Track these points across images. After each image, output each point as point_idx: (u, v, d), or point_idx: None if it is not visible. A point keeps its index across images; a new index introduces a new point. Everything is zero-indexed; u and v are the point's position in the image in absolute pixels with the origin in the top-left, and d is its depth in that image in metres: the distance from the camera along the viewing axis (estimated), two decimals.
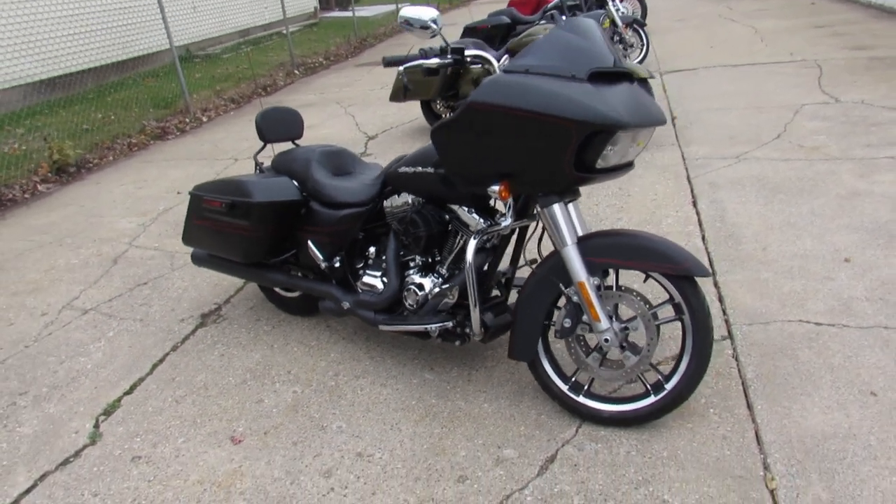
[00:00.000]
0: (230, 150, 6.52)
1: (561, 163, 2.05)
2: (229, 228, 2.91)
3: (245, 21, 13.12)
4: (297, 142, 3.21)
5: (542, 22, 5.70)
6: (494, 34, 7.71)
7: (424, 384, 2.69)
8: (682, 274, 2.14)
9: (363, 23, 14.86)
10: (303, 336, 3.12)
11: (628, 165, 2.30)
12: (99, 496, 2.27)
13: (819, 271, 3.19)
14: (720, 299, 3.06)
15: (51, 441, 2.57)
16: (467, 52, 2.26)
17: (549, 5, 8.51)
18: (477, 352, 2.85)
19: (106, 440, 2.54)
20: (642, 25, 8.19)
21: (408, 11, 2.19)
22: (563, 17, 5.38)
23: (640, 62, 8.11)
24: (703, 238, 3.66)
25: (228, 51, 11.98)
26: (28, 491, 2.33)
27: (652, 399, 2.28)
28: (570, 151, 2.02)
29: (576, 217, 2.40)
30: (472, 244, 2.31)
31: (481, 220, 2.44)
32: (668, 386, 2.25)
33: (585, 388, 2.38)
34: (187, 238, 3.16)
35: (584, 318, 2.26)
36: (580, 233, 2.38)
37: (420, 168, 2.45)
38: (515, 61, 2.10)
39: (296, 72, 10.39)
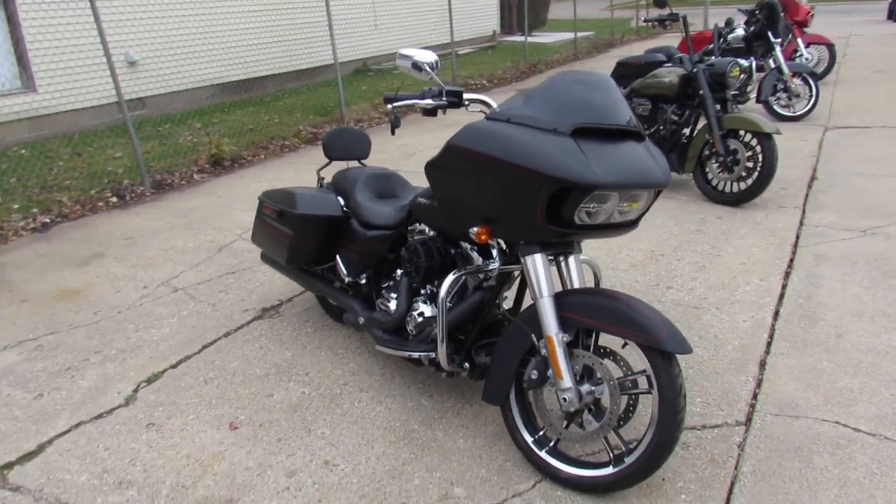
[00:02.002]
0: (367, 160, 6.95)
1: (533, 214, 2.04)
2: (279, 234, 3.17)
3: (424, 39, 13.83)
4: (363, 162, 3.42)
5: (669, 64, 5.49)
6: (648, 72, 7.52)
7: (416, 409, 2.75)
8: (654, 346, 2.03)
9: (539, 48, 15.04)
10: (335, 343, 3.31)
11: (629, 225, 2.22)
12: (109, 451, 2.60)
13: (891, 373, 2.81)
14: (759, 382, 2.80)
15: (97, 397, 2.96)
16: (465, 96, 2.31)
17: (708, 47, 8.15)
18: (479, 387, 2.86)
19: (136, 405, 2.89)
20: (815, 77, 7.56)
21: (407, 51, 2.29)
22: (712, 58, 5.13)
23: (807, 114, 7.50)
24: (776, 314, 3.35)
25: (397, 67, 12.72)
26: (62, 434, 2.72)
27: (611, 470, 2.17)
28: (542, 204, 2.01)
29: (574, 271, 2.35)
30: (448, 279, 2.35)
31: (480, 259, 2.47)
32: (628, 460, 2.13)
33: (551, 444, 2.31)
34: (253, 237, 3.48)
35: (549, 372, 2.21)
36: (580, 285, 2.33)
37: (430, 201, 2.54)
38: (502, 108, 2.12)
39: None
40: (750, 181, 4.82)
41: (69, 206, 5.68)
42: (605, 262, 4.07)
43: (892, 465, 2.30)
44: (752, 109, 7.85)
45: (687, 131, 5.23)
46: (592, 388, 2.18)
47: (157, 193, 6.17)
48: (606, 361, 2.23)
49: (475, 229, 2.22)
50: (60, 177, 6.35)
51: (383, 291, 2.96)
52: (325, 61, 11.37)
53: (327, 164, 3.40)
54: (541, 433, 2.34)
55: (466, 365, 2.56)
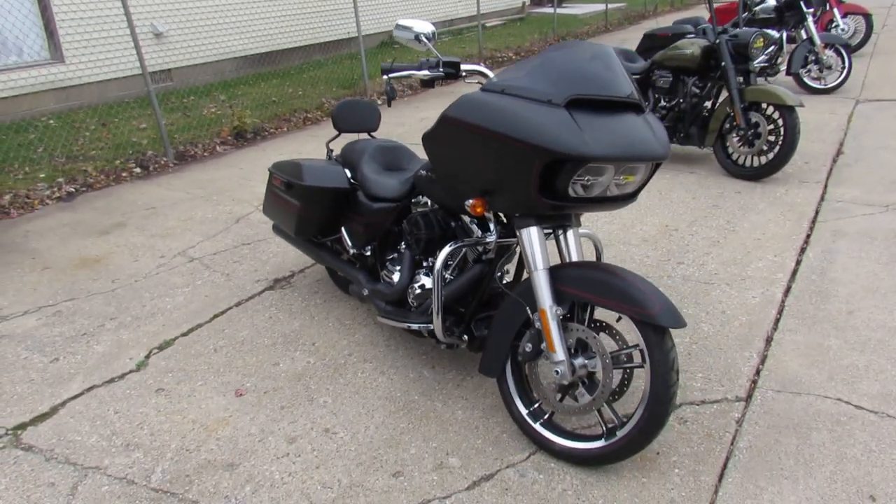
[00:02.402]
0: (388, 133, 6.96)
1: (527, 187, 2.03)
2: (286, 205, 3.20)
3: (451, 11, 13.68)
4: (373, 134, 3.43)
5: (692, 35, 5.34)
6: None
7: (418, 380, 2.78)
8: (646, 321, 2.02)
9: (569, 20, 14.78)
10: (343, 314, 3.35)
11: (626, 198, 2.20)
12: (119, 414, 2.68)
13: None
14: (763, 359, 2.78)
15: (110, 362, 3.05)
16: (463, 67, 2.29)
17: (737, 18, 7.92)
18: (480, 359, 2.87)
19: (147, 370, 2.97)
20: (848, 48, 7.32)
21: (404, 22, 2.28)
22: (736, 29, 4.99)
23: (838, 86, 7.28)
24: (787, 290, 3.30)
25: None
26: (75, 397, 2.81)
27: (602, 443, 2.18)
28: (535, 176, 2.00)
29: (573, 245, 2.34)
30: (444, 251, 2.36)
31: (479, 232, 2.48)
32: (620, 433, 2.14)
33: (546, 417, 2.33)
34: (265, 209, 3.52)
35: (543, 345, 2.22)
36: (578, 258, 2.33)
37: (429, 173, 2.54)
38: (498, 78, 2.10)
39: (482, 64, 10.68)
40: (771, 155, 4.72)
41: (94, 175, 5.79)
42: (617, 236, 4.04)
43: (891, 442, 2.27)
44: (781, 82, 7.66)
45: (709, 104, 5.12)
46: (586, 361, 2.19)
47: (179, 164, 6.25)
48: (602, 335, 2.23)
49: (470, 201, 2.22)
50: (86, 147, 6.47)
51: (388, 264, 2.98)
52: (350, 34, 11.31)
53: (336, 136, 3.41)
54: (536, 406, 2.36)
55: (465, 337, 2.58)
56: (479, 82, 2.28)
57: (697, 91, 5.07)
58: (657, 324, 2.01)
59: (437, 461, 2.33)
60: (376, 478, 2.27)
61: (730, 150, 4.95)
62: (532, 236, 2.19)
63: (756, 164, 4.85)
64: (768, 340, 2.91)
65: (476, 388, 2.71)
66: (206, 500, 2.21)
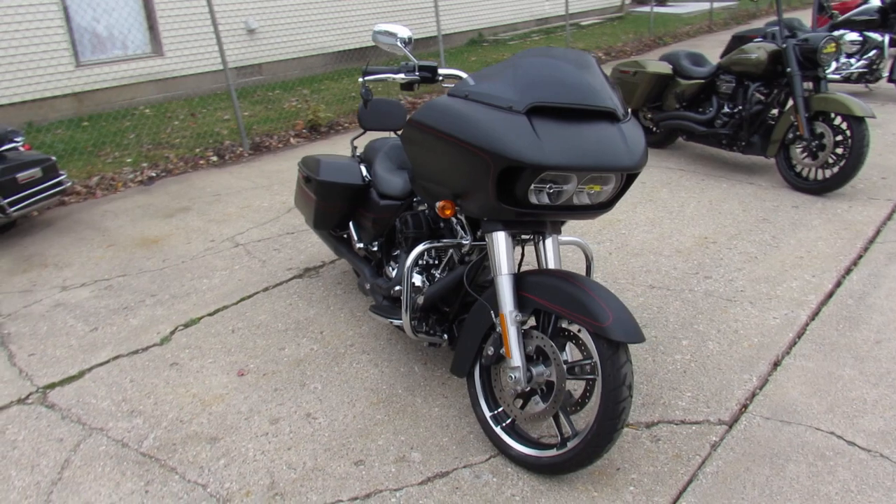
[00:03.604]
0: None
1: (486, 192, 2.05)
2: (307, 198, 3.35)
3: (544, 10, 13.56)
4: (399, 133, 3.52)
5: (759, 39, 5.05)
6: None
7: (406, 375, 2.85)
8: (599, 333, 2.00)
9: (669, 19, 14.28)
10: (357, 306, 3.47)
11: (599, 207, 2.17)
12: (133, 383, 2.92)
13: None
14: (763, 383, 2.65)
15: (139, 335, 3.31)
16: (440, 71, 2.32)
17: (843, 16, 7.41)
18: None
19: (168, 345, 3.21)
20: None
21: (383, 27, 2.33)
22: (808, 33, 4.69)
23: None
24: (815, 314, 3.11)
25: (518, 38, 12.57)
26: (101, 364, 3.08)
27: (555, 452, 2.17)
28: (491, 182, 2.02)
29: (550, 252, 2.33)
30: (415, 251, 2.42)
31: (463, 233, 2.51)
32: (570, 444, 2.13)
33: (508, 421, 2.34)
34: (295, 201, 3.69)
35: (502, 350, 2.23)
36: (555, 266, 2.32)
37: (410, 174, 2.59)
38: (465, 83, 2.13)
39: None
40: (836, 169, 4.42)
41: (174, 162, 6.23)
42: (650, 246, 3.93)
43: (874, 484, 2.12)
44: (884, 90, 7.13)
45: (776, 112, 4.86)
46: (545, 370, 2.18)
47: (254, 155, 6.60)
48: (570, 345, 2.21)
49: (439, 203, 2.26)
50: (172, 135, 6.95)
51: (391, 261, 3.06)
52: (445, 30, 11.44)
53: (362, 134, 3.52)
54: (500, 409, 2.37)
55: (445, 336, 2.63)
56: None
57: (762, 98, 4.82)
58: (608, 337, 1.98)
59: (399, 454, 2.39)
60: (339, 464, 2.36)
61: (793, 161, 4.67)
62: (498, 241, 2.20)
63: (820, 177, 4.56)
64: (775, 364, 2.76)
65: (459, 387, 2.75)
66: (182, 468, 2.38)
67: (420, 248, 2.43)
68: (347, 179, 3.16)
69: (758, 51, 4.78)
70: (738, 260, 3.69)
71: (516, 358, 2.15)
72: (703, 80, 5.21)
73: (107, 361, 3.10)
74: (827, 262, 3.60)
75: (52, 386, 2.92)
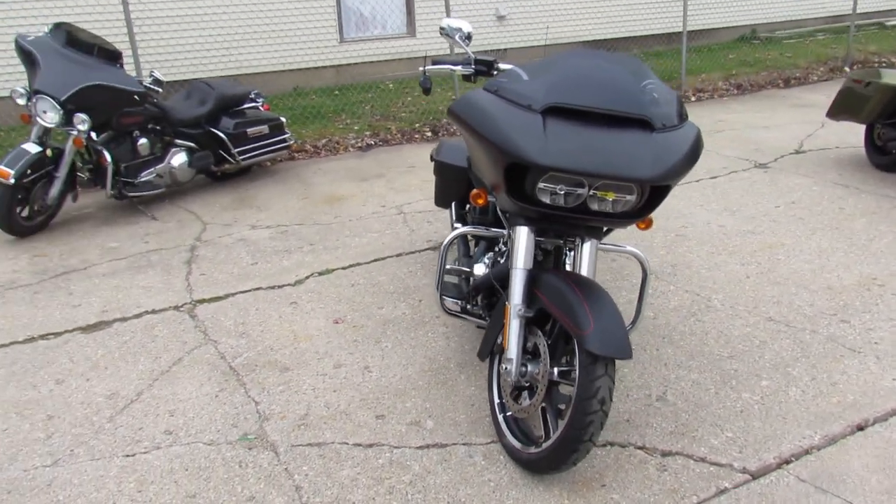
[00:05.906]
0: None
1: (501, 186, 2.12)
2: (434, 175, 3.61)
3: (838, 6, 11.92)
4: None
5: None
6: None
7: (466, 353, 2.99)
8: (578, 341, 1.99)
9: None
10: None
11: (625, 217, 2.11)
12: (257, 311, 3.46)
13: None
14: (823, 446, 2.31)
15: (283, 274, 3.87)
16: (498, 65, 2.37)
17: None
18: None
19: (299, 287, 3.72)
20: None
21: (447, 21, 2.43)
22: None
23: None
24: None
25: (798, 36, 11.28)
26: (244, 292, 3.68)
27: (532, 449, 2.19)
28: (501, 175, 2.09)
29: (585, 258, 2.29)
30: (451, 234, 2.53)
31: (505, 224, 2.57)
32: (543, 445, 2.13)
33: (510, 412, 2.38)
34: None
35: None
36: (586, 273, 2.29)
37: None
38: (500, 78, 2.18)
39: (846, 69, 9.29)
40: None
41: (393, 133, 6.90)
42: (800, 277, 3.50)
43: None
44: None
45: None
46: (539, 367, 2.19)
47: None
48: (570, 346, 2.20)
49: (473, 191, 2.36)
50: (401, 109, 7.66)
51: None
52: (707, 25, 10.77)
53: None
54: (505, 399, 2.42)
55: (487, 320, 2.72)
56: None
57: None
58: (585, 346, 1.95)
59: (416, 418, 2.57)
60: (364, 413, 2.62)
61: None
62: (520, 235, 2.25)
63: None
64: (859, 428, 2.38)
65: None
66: (250, 385, 2.84)
67: (455, 232, 2.55)
68: (456, 161, 3.34)
69: None
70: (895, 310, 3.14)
71: (511, 350, 2.20)
72: None
73: (249, 290, 3.71)
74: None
75: (202, 301, 3.60)
